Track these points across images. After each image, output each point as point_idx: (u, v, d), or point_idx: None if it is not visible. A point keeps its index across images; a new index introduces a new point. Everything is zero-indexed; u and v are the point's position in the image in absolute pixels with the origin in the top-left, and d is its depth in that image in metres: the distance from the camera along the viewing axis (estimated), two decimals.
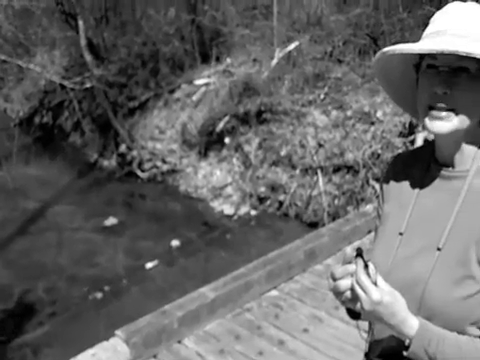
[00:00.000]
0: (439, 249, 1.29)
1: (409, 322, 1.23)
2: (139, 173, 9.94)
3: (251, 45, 11.07)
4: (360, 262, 1.22)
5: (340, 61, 9.68)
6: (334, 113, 8.56)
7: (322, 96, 8.96)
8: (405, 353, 1.26)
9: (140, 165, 10.04)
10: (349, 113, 8.37)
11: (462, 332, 1.25)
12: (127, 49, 11.63)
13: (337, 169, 7.97)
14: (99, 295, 6.30)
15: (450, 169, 1.35)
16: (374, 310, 1.20)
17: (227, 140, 9.38)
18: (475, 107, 1.26)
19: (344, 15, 10.80)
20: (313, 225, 7.57)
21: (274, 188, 8.40)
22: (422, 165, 1.43)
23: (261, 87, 9.44)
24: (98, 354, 3.32)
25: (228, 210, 8.50)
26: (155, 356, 3.49)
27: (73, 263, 6.95)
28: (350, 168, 7.83)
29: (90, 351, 3.32)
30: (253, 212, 8.42)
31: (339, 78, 9.16)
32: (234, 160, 9.15)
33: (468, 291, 1.24)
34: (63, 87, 11.47)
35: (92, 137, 11.44)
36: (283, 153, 8.54)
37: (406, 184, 1.44)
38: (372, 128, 8.03)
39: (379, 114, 8.07)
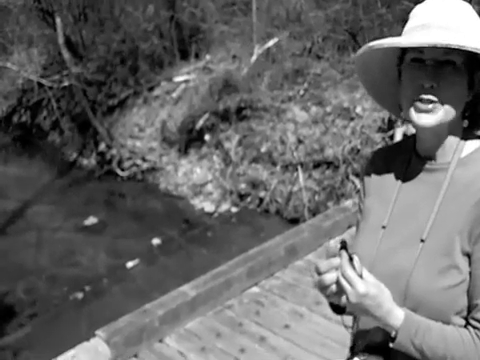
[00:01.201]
0: (423, 240, 1.30)
1: (395, 313, 1.24)
2: (119, 172, 9.88)
3: (230, 42, 11.05)
4: (344, 255, 1.22)
5: (319, 57, 9.71)
6: (314, 109, 8.58)
7: (302, 92, 8.97)
8: (391, 345, 1.27)
9: (120, 164, 9.97)
10: (328, 109, 8.40)
11: (447, 322, 1.26)
12: (106, 46, 11.54)
13: (317, 165, 8.00)
14: (80, 295, 6.25)
15: (432, 162, 1.36)
16: (360, 302, 1.21)
17: (207, 137, 9.36)
18: (459, 100, 1.27)
19: (323, 11, 10.82)
20: (294, 221, 7.58)
21: (255, 185, 8.40)
22: (403, 159, 1.44)
23: (241, 84, 9.43)
24: (78, 355, 3.29)
25: (209, 207, 8.49)
26: (136, 355, 3.47)
27: (53, 263, 6.89)
28: (330, 164, 7.86)
29: (70, 352, 3.29)
30: (234, 209, 8.41)
31: (318, 74, 9.18)
32: (214, 157, 9.13)
33: (452, 281, 1.25)
34: (41, 85, 11.35)
35: (71, 136, 11.34)
36: (263, 150, 8.54)
37: (387, 178, 1.45)
38: (351, 124, 8.07)
39: (358, 110, 8.11)
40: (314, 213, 7.40)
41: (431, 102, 1.24)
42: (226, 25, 11.74)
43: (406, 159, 1.43)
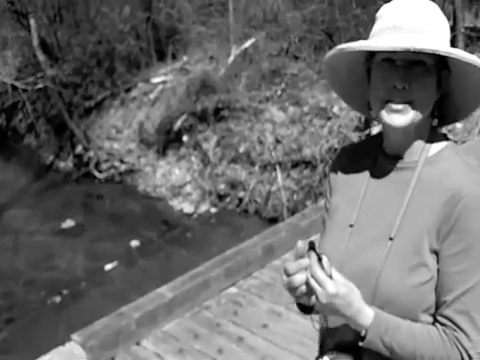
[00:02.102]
0: (391, 239, 1.30)
1: (365, 312, 1.24)
2: (96, 174, 9.80)
3: (207, 42, 11.05)
4: (313, 255, 1.21)
5: (296, 57, 9.74)
6: (291, 109, 8.61)
7: (279, 92, 9.00)
8: (361, 344, 1.27)
9: (97, 166, 9.90)
10: (306, 109, 8.43)
11: (415, 320, 1.27)
12: (81, 48, 11.45)
13: (295, 164, 8.02)
14: (57, 299, 6.19)
15: (399, 160, 1.36)
16: (330, 303, 1.21)
17: (185, 138, 9.33)
18: (429, 99, 1.28)
19: (300, 12, 10.87)
20: (273, 221, 7.59)
21: (233, 185, 8.40)
22: (369, 157, 1.43)
23: (218, 84, 9.43)
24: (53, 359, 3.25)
25: (188, 208, 8.46)
26: (113, 359, 3.44)
27: (30, 267, 6.81)
28: (308, 163, 7.89)
29: (45, 357, 3.25)
30: (213, 210, 8.40)
31: (295, 74, 9.21)
32: (193, 158, 9.11)
33: (421, 279, 1.25)
34: (16, 88, 11.22)
35: (47, 138, 11.23)
36: (241, 150, 8.54)
37: (354, 176, 1.45)
38: (329, 123, 8.11)
39: (335, 109, 8.15)
40: (293, 212, 7.42)
41: (402, 103, 1.24)
42: (203, 26, 11.73)
43: (372, 157, 1.42)
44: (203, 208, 8.44)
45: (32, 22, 11.22)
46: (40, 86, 10.90)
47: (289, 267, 1.24)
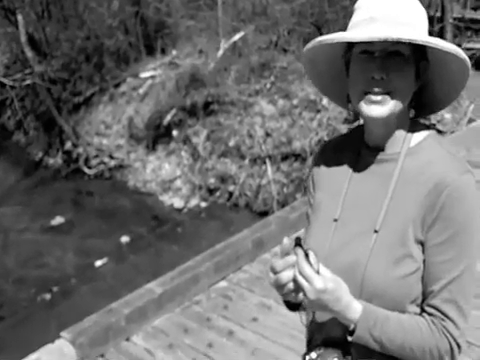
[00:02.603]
0: (376, 231, 1.29)
1: (353, 307, 1.24)
2: (86, 170, 9.75)
3: (197, 36, 11.00)
4: (300, 252, 1.20)
5: (285, 50, 9.73)
6: (281, 102, 8.60)
7: (268, 85, 8.98)
8: (350, 338, 1.27)
9: (87, 162, 9.85)
10: (295, 102, 8.43)
11: (402, 311, 1.27)
12: (70, 43, 11.37)
13: (285, 157, 8.02)
14: (48, 296, 6.16)
15: (381, 152, 1.35)
16: (319, 298, 1.20)
17: (175, 133, 9.30)
18: (408, 90, 1.28)
19: (289, 4, 10.85)
20: (263, 214, 7.58)
21: (223, 179, 8.38)
22: (352, 150, 1.43)
23: (208, 78, 9.39)
24: (42, 358, 3.23)
25: (178, 203, 8.44)
26: (103, 355, 3.42)
27: (19, 265, 6.77)
28: (298, 156, 7.89)
29: (34, 355, 3.23)
30: (203, 204, 8.38)
31: (284, 67, 9.19)
32: (182, 153, 9.08)
33: (407, 270, 1.25)
34: (4, 85, 11.13)
35: (36, 135, 11.16)
36: (231, 144, 8.53)
37: (337, 170, 1.44)
38: (318, 116, 8.11)
39: (324, 102, 8.15)
40: (283, 205, 7.42)
41: (381, 94, 1.24)
42: (192, 20, 11.68)
43: (355, 150, 1.42)
44: (193, 203, 8.42)
45: (20, 18, 11.13)
46: (28, 82, 10.83)
47: (276, 264, 1.23)
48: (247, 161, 8.30)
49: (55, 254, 7.04)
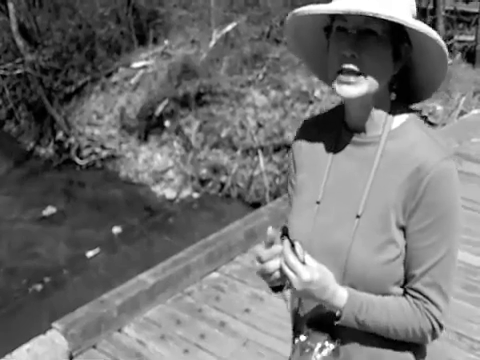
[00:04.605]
0: (358, 216, 1.30)
1: (339, 294, 1.26)
2: (77, 160, 9.71)
3: (189, 26, 10.94)
4: (286, 242, 1.21)
5: (277, 41, 9.69)
6: (273, 93, 8.59)
7: (261, 76, 8.96)
8: (336, 323, 1.29)
9: (78, 152, 9.80)
10: (287, 93, 8.42)
11: (386, 293, 1.30)
12: (61, 33, 11.28)
13: (277, 148, 8.02)
14: (39, 287, 6.16)
15: (362, 135, 1.34)
16: (305, 289, 1.22)
17: (167, 123, 9.27)
18: (383, 70, 1.26)
19: None
20: (256, 205, 7.59)
21: (216, 170, 8.38)
22: (333, 131, 1.41)
23: (200, 69, 9.36)
24: (34, 348, 3.23)
25: (170, 194, 8.44)
26: (94, 346, 3.43)
27: (11, 255, 6.75)
28: (290, 147, 7.88)
29: (25, 346, 3.23)
30: (195, 195, 8.39)
31: (277, 58, 9.17)
32: (175, 143, 9.06)
33: (390, 255, 1.27)
34: None
35: (28, 125, 11.08)
36: (223, 135, 8.52)
37: (318, 151, 1.43)
38: (310, 107, 8.11)
39: (317, 93, 8.15)
40: (275, 196, 7.43)
41: (353, 74, 1.23)
42: (184, 9, 11.62)
43: (336, 131, 1.40)
44: (185, 193, 8.42)
45: (11, 7, 11.01)
46: (19, 72, 10.74)
47: (262, 254, 1.25)
48: (239, 152, 8.31)
49: (46, 244, 7.02)
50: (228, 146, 8.46)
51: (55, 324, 3.36)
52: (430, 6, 10.87)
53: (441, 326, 1.31)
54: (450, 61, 9.40)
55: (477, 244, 4.28)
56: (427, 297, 1.28)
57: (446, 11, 10.42)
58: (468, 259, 4.09)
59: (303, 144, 1.47)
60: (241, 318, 3.64)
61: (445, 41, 9.94)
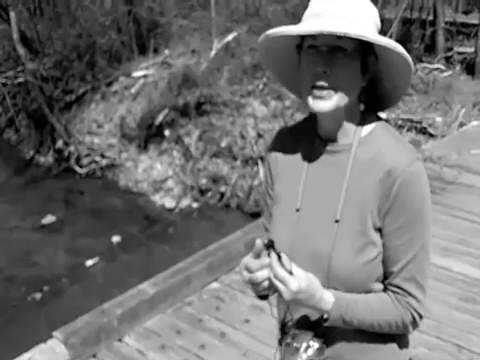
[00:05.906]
0: (337, 221, 1.37)
1: (325, 298, 1.34)
2: (77, 169, 9.70)
3: (189, 36, 11.00)
4: (273, 255, 1.27)
5: None
6: (273, 103, 8.62)
7: (261, 86, 9.00)
8: (324, 324, 1.38)
9: (78, 161, 9.80)
10: (287, 103, 8.45)
11: (368, 290, 1.38)
12: (62, 42, 11.32)
13: None
14: (38, 296, 6.13)
15: (334, 144, 1.42)
16: (294, 298, 1.29)
17: (167, 133, 9.29)
18: (353, 84, 1.33)
19: (282, 5, 10.88)
20: (255, 215, 7.59)
21: (215, 180, 8.39)
22: (307, 139, 1.49)
23: (200, 78, 9.39)
24: (35, 357, 3.23)
25: (169, 203, 8.44)
26: (95, 356, 3.43)
27: (10, 264, 6.73)
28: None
29: (26, 355, 3.23)
30: (195, 204, 8.39)
31: None
32: (174, 153, 9.07)
33: (370, 256, 1.36)
34: None
35: (27, 133, 11.09)
36: (223, 144, 8.53)
37: (294, 160, 1.50)
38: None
39: None
40: None
41: (325, 89, 1.29)
42: (185, 19, 11.68)
43: (310, 140, 1.47)
44: (185, 203, 8.42)
45: (12, 15, 11.05)
46: (20, 80, 10.77)
47: (251, 265, 1.31)
48: (239, 162, 8.32)
49: (46, 253, 7.00)
50: (228, 156, 8.47)
51: (55, 333, 3.37)
52: (430, 17, 10.94)
53: (421, 316, 1.41)
54: (450, 72, 9.46)
55: (477, 256, 4.29)
56: (406, 291, 1.37)
57: (446, 23, 10.48)
58: (468, 271, 4.10)
59: (278, 155, 1.54)
60: (241, 328, 3.65)
61: (445, 53, 9.97)
